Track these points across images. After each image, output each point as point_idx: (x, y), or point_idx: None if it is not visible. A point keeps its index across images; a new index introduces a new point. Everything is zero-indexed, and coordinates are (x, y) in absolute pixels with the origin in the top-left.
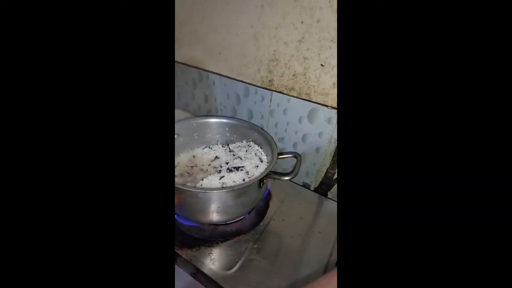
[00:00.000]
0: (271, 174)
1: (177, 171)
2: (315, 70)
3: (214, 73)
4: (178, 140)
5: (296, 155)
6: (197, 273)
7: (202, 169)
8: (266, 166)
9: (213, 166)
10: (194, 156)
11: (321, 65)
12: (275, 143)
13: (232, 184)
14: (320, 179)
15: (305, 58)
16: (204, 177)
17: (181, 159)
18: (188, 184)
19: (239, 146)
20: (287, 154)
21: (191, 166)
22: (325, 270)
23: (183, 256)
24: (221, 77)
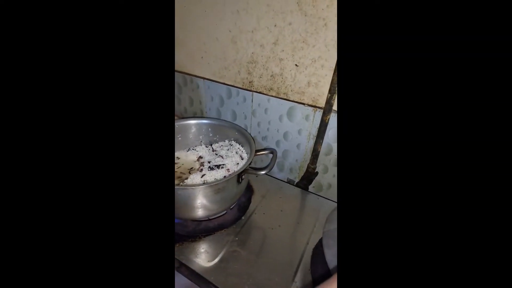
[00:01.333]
0: (248, 169)
1: None
2: (290, 70)
3: (197, 76)
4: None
5: (272, 151)
6: (180, 267)
7: (186, 169)
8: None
9: (196, 165)
10: (178, 158)
11: (296, 65)
12: (253, 141)
13: (213, 180)
14: (302, 174)
15: (281, 59)
16: (186, 177)
17: None
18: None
19: (222, 145)
20: (263, 151)
21: (176, 167)
22: (301, 257)
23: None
24: (205, 80)
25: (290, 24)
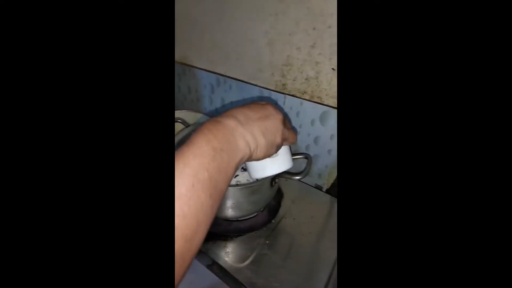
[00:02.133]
0: (282, 173)
1: None
2: (326, 74)
3: (231, 78)
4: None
5: (307, 156)
6: (213, 265)
7: None
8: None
9: None
10: None
11: (333, 69)
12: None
13: (246, 182)
14: (332, 181)
15: (317, 63)
16: None
17: None
18: None
19: None
20: (298, 155)
21: None
22: (333, 268)
23: (200, 249)
24: (238, 81)
25: (329, 27)
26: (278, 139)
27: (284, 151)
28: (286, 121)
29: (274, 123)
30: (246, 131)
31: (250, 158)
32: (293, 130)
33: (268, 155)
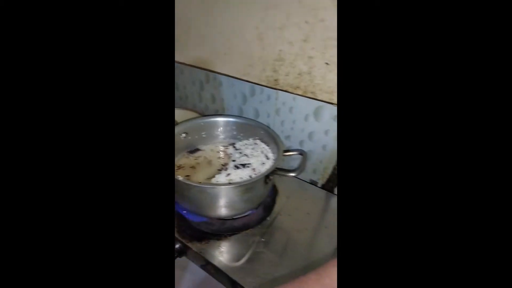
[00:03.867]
0: (276, 170)
1: (184, 169)
2: (320, 69)
3: (220, 73)
4: (187, 139)
5: (301, 152)
6: (207, 265)
7: (210, 166)
8: (272, 163)
9: (220, 164)
10: (202, 154)
11: (326, 63)
12: (280, 140)
13: (239, 180)
14: (327, 176)
15: (310, 57)
16: (211, 175)
17: (188, 157)
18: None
19: (246, 144)
20: (292, 151)
21: (198, 163)
22: None
23: (193, 249)
24: (228, 77)
25: (322, 21)
26: None
27: None
28: None
29: None
30: None
31: None
32: None
33: None
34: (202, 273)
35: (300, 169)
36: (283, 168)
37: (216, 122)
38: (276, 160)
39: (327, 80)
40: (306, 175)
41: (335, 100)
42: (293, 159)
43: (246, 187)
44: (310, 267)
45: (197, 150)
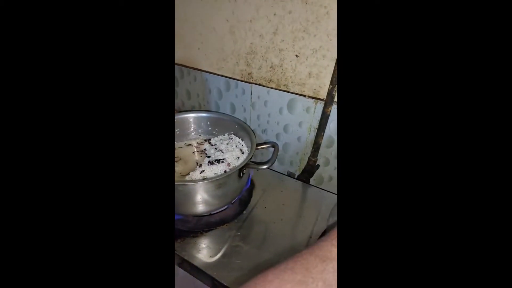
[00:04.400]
0: (249, 163)
1: None
2: (290, 61)
3: (194, 69)
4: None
5: (273, 145)
6: (183, 263)
7: (185, 163)
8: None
9: (195, 160)
10: (177, 153)
11: (296, 55)
12: (254, 134)
13: (213, 176)
14: (303, 167)
15: (281, 50)
16: (186, 172)
17: None
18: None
19: (221, 139)
20: (265, 144)
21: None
22: None
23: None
24: (202, 72)
25: (290, 12)
26: None
27: None
28: None
29: None
30: None
31: None
32: None
33: None
34: (177, 270)
35: (271, 160)
36: (256, 161)
37: (188, 118)
38: (249, 153)
39: (297, 72)
40: (284, 168)
41: (306, 92)
42: (271, 152)
43: (219, 182)
44: (283, 257)
45: None
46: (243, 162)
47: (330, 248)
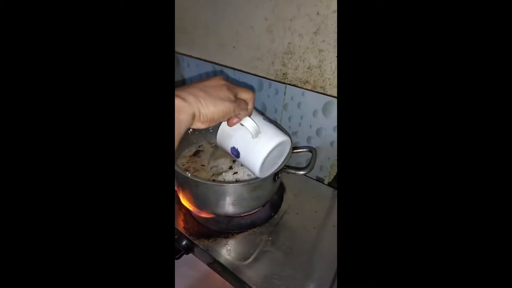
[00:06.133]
0: (285, 168)
1: (192, 164)
2: (330, 63)
3: (228, 67)
4: (194, 135)
5: (311, 150)
6: (213, 263)
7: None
8: (282, 161)
9: (228, 160)
10: (208, 149)
11: (337, 57)
12: (290, 137)
13: (247, 178)
14: (334, 174)
15: (320, 50)
16: (218, 171)
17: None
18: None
19: None
20: (302, 149)
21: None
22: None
23: (200, 246)
24: (235, 71)
25: (334, 11)
26: (225, 92)
27: (264, 126)
28: (233, 83)
29: (212, 80)
30: (180, 93)
31: (199, 113)
32: (250, 89)
33: (221, 110)
34: (207, 269)
35: (310, 166)
36: (292, 165)
37: None
38: (285, 157)
39: (337, 74)
40: (313, 172)
41: None
42: (300, 155)
43: (254, 185)
44: (317, 267)
45: (199, 151)
46: (279, 166)
47: None
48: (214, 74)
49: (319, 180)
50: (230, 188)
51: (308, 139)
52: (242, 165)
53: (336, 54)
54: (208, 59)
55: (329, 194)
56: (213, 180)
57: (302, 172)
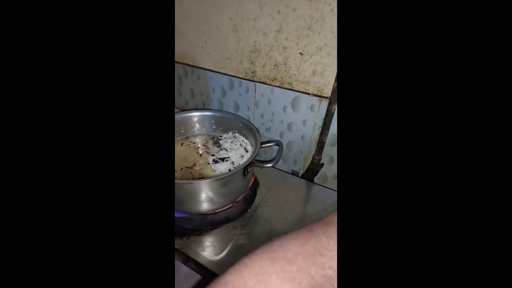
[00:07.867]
0: (254, 162)
1: None
2: (295, 59)
3: (198, 67)
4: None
5: (278, 143)
6: (188, 261)
7: (189, 162)
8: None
9: (199, 158)
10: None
11: (300, 53)
12: (258, 132)
13: (218, 174)
14: (307, 166)
15: (285, 48)
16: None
17: None
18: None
19: (225, 137)
20: (269, 143)
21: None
22: None
23: (175, 246)
24: (206, 71)
25: (294, 10)
26: None
27: None
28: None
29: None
30: None
31: None
32: None
33: None
34: (185, 269)
35: (276, 159)
36: (260, 159)
37: (192, 117)
38: (253, 152)
39: (301, 70)
40: (288, 166)
41: (310, 90)
42: (274, 151)
43: (224, 180)
44: None
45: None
46: (247, 160)
47: (331, 217)
48: (185, 75)
49: (294, 173)
50: (200, 184)
51: (281, 134)
52: (214, 162)
53: (299, 51)
54: (178, 60)
55: (302, 186)
56: (181, 179)
57: (269, 165)
